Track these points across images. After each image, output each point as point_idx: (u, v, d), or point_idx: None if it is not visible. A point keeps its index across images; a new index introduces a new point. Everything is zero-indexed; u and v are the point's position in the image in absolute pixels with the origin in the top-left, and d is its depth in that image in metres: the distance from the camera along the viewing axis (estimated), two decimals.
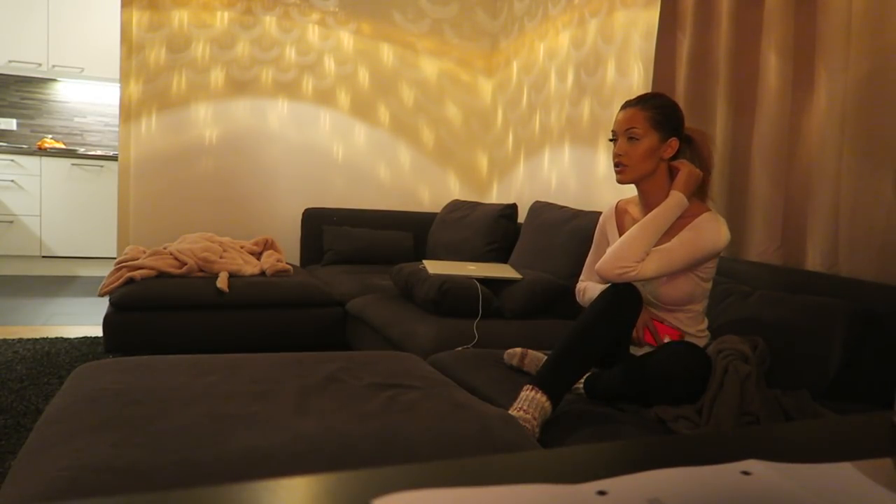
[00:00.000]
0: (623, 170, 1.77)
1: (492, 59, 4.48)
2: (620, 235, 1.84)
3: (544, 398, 1.55)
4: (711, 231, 1.69)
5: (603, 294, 1.70)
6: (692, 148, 1.81)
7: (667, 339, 1.72)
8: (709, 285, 1.77)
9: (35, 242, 5.23)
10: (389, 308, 2.79)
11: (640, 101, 1.79)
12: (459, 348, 2.27)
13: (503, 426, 1.42)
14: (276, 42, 4.10)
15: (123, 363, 1.64)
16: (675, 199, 1.71)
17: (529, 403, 1.54)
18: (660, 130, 1.74)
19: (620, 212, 1.93)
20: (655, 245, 1.69)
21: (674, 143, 1.75)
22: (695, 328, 1.77)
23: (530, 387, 1.58)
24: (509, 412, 1.53)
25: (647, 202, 1.80)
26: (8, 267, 5.25)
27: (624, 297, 1.67)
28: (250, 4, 4.03)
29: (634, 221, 1.82)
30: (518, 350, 1.98)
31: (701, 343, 1.74)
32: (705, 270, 1.74)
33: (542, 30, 3.90)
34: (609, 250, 1.73)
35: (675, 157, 1.79)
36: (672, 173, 1.78)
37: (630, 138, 1.74)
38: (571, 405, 1.65)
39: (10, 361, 2.90)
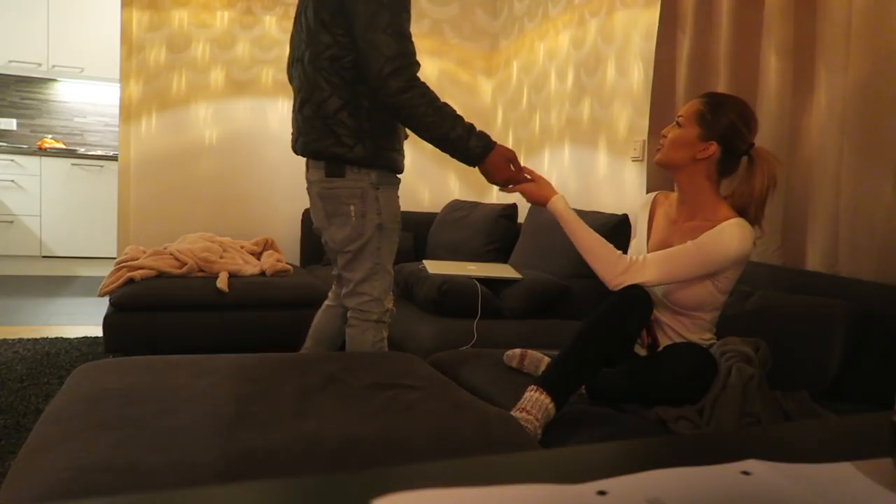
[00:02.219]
0: (659, 149, 1.75)
1: (492, 59, 4.48)
2: (650, 227, 1.83)
3: (548, 399, 1.54)
4: (724, 239, 1.60)
5: (610, 296, 1.66)
6: (750, 167, 1.69)
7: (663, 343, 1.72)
8: (724, 297, 1.70)
9: (35, 242, 5.23)
10: None
11: (705, 95, 1.73)
12: (461, 349, 2.27)
13: (503, 426, 1.42)
14: (276, 42, 4.10)
15: (123, 363, 1.64)
16: (551, 208, 1.76)
17: (533, 404, 1.53)
18: (702, 127, 1.67)
19: (657, 203, 1.87)
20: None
21: (711, 147, 1.66)
22: (698, 335, 1.72)
23: (534, 387, 1.57)
24: (512, 413, 1.53)
25: (680, 198, 1.76)
26: (8, 267, 5.25)
27: (631, 300, 1.63)
28: (250, 4, 4.03)
29: (665, 216, 1.80)
30: (517, 351, 1.98)
31: None
32: (723, 281, 1.65)
33: (542, 30, 3.90)
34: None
35: (726, 172, 1.71)
36: (711, 178, 1.70)
37: (676, 122, 1.73)
38: (572, 405, 1.65)
39: (10, 361, 2.90)
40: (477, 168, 1.93)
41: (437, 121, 1.85)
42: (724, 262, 1.61)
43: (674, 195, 1.81)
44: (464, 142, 1.87)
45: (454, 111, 1.90)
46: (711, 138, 1.66)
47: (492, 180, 1.93)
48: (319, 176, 2.03)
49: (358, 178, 1.97)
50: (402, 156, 2.10)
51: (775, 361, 1.69)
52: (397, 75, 1.82)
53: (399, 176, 2.08)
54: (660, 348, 1.73)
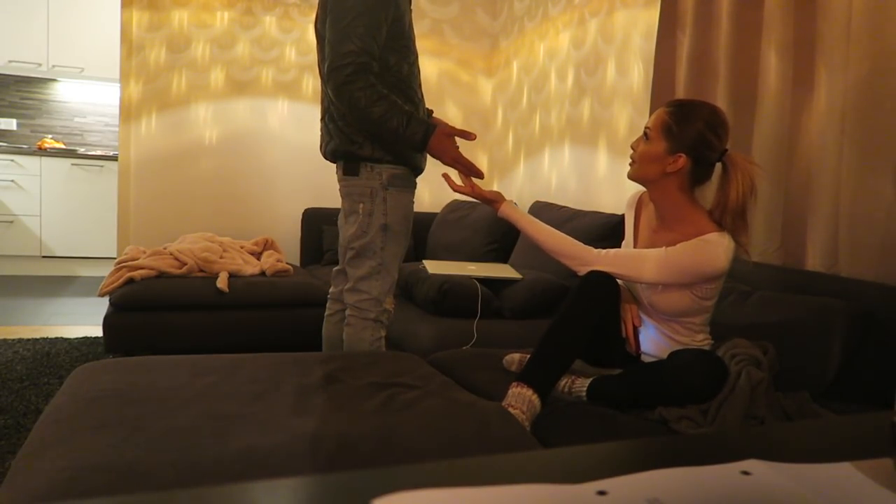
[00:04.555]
0: (631, 164, 1.71)
1: (492, 59, 4.48)
2: (636, 225, 1.82)
3: (530, 392, 1.54)
4: (696, 254, 1.56)
5: (575, 283, 1.68)
6: (725, 174, 1.62)
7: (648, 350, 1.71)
8: (709, 303, 1.67)
9: (35, 242, 5.23)
10: None
11: (672, 104, 1.67)
12: (461, 348, 2.27)
13: (502, 425, 1.42)
14: (276, 42, 4.10)
15: (123, 363, 1.64)
16: (503, 214, 1.84)
17: (516, 398, 1.54)
18: (668, 140, 1.62)
19: (642, 203, 1.83)
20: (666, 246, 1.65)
21: (680, 160, 1.61)
22: (690, 338, 1.70)
23: (517, 383, 1.57)
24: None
25: (657, 211, 1.73)
26: (8, 267, 5.25)
27: (595, 283, 1.63)
28: (250, 4, 4.03)
29: (647, 222, 1.79)
30: (516, 356, 1.96)
31: None
32: (702, 290, 1.62)
33: (542, 30, 3.90)
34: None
35: (699, 181, 1.66)
36: (684, 189, 1.65)
37: (644, 134, 1.68)
38: (572, 406, 1.65)
39: (10, 361, 2.90)
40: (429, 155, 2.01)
41: (376, 111, 1.88)
42: (696, 278, 1.59)
43: None
44: (403, 129, 1.91)
45: (397, 102, 1.91)
46: (679, 150, 1.61)
47: (445, 161, 1.99)
48: (340, 175, 2.12)
49: (371, 176, 2.03)
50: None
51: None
52: (345, 69, 1.87)
53: (416, 180, 2.12)
54: (641, 355, 1.73)
